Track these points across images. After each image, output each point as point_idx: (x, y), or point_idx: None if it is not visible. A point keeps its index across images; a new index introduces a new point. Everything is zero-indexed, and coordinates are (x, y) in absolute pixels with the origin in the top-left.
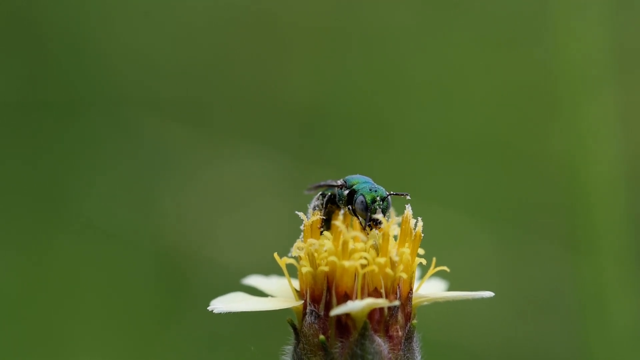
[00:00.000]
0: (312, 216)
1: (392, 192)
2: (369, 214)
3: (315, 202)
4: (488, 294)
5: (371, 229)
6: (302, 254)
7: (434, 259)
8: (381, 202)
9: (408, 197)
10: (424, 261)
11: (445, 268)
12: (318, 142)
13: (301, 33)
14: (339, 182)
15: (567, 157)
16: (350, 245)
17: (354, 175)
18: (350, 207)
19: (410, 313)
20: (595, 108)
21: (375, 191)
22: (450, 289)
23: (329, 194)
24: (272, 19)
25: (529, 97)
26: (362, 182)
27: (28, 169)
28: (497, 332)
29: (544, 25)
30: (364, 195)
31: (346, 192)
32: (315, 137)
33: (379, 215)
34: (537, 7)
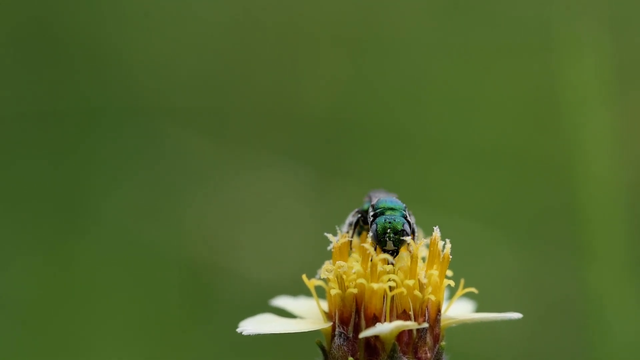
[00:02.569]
0: (340, 237)
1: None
2: (377, 244)
3: (350, 218)
4: (516, 315)
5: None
6: (330, 276)
7: (462, 281)
8: (392, 235)
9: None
10: (452, 283)
11: (473, 290)
12: (338, 152)
13: (320, 42)
14: (373, 202)
15: (571, 165)
16: (379, 267)
17: (385, 198)
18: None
19: (439, 335)
20: (604, 118)
21: (390, 222)
22: (475, 299)
23: (363, 211)
24: (291, 29)
25: (546, 105)
26: (388, 208)
27: (50, 176)
28: (520, 342)
29: (559, 34)
30: (376, 225)
31: (371, 213)
32: (335, 146)
33: (389, 247)
34: (557, 17)
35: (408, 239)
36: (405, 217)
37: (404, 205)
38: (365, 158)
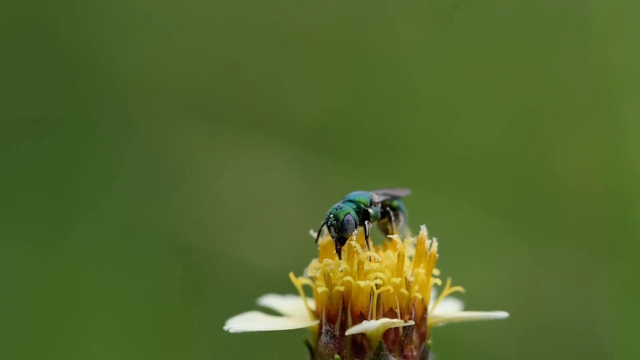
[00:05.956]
0: (327, 235)
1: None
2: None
3: None
4: (502, 314)
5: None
6: (317, 274)
7: (449, 280)
8: (334, 222)
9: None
10: (439, 281)
11: (460, 289)
12: (327, 159)
13: (312, 49)
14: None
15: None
16: (366, 265)
17: (357, 191)
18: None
19: (425, 333)
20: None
21: (336, 209)
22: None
23: None
24: (283, 33)
25: (540, 112)
26: (348, 200)
27: (44, 177)
28: (514, 337)
29: (554, 40)
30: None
31: None
32: (324, 153)
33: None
34: (547, 24)
35: (352, 234)
36: (359, 212)
37: (369, 197)
38: (353, 166)
